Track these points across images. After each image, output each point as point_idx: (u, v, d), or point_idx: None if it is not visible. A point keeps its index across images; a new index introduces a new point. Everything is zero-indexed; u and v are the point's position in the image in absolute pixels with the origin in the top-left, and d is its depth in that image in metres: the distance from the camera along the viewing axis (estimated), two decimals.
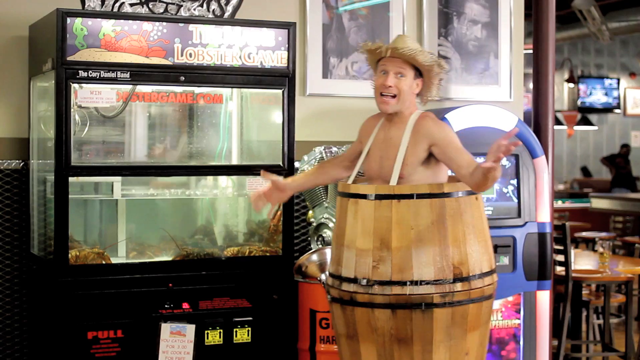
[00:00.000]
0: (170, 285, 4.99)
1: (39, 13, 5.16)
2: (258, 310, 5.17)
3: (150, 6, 5.68)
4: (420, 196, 4.13)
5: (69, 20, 4.83)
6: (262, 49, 5.27)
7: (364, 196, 4.19)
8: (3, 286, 5.40)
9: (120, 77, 4.95)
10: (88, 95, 4.98)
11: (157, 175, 5.39)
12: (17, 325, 5.44)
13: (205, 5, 5.84)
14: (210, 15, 5.83)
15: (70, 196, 4.85)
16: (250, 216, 5.66)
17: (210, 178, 5.59)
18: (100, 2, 5.57)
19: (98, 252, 5.01)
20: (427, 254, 4.12)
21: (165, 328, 4.93)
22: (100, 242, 5.28)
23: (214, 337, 5.07)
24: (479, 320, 4.28)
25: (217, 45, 5.16)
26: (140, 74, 4.99)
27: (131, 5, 5.64)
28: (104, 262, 5.01)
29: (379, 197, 4.15)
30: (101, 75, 4.89)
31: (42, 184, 5.22)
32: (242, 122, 5.65)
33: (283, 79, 5.33)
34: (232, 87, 5.46)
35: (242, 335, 5.14)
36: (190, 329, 4.95)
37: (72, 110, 4.87)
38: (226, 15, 5.88)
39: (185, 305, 5.01)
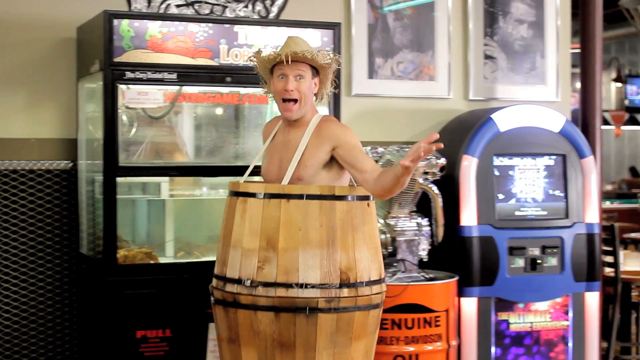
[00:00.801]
0: None
1: (87, 15, 5.21)
2: None
3: (196, 7, 5.71)
4: (310, 197, 3.99)
5: (116, 21, 4.87)
6: None
7: (253, 195, 4.04)
8: (53, 285, 5.45)
9: (166, 78, 4.98)
10: (135, 96, 5.02)
11: (203, 176, 5.41)
12: (67, 324, 5.49)
13: (250, 6, 5.85)
14: (256, 16, 5.85)
15: (118, 196, 4.89)
16: None
17: (256, 178, 5.59)
18: (146, 4, 5.61)
19: (146, 252, 5.05)
20: (314, 257, 3.97)
21: (213, 328, 4.93)
22: (148, 242, 5.31)
23: None
24: (366, 330, 4.13)
25: (262, 45, 5.17)
26: (187, 75, 5.02)
27: (177, 6, 5.67)
28: (152, 262, 5.04)
29: (268, 196, 4.01)
30: (148, 77, 4.93)
31: (90, 185, 5.26)
32: None
33: None
34: None
35: None
36: (211, 327, 4.96)
37: (119, 111, 4.92)
38: (271, 15, 5.90)
39: None
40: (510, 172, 5.84)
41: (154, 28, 4.96)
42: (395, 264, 5.43)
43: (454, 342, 5.45)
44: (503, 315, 5.71)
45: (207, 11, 5.73)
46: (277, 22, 5.54)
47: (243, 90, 5.39)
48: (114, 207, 4.86)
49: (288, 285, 3.95)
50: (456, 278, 5.52)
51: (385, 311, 5.19)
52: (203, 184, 5.52)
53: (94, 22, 5.08)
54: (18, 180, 5.36)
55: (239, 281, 4.00)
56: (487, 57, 6.44)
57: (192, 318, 4.96)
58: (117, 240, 4.90)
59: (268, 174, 4.28)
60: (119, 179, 4.90)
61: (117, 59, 4.87)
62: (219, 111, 5.60)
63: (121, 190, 4.98)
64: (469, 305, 5.63)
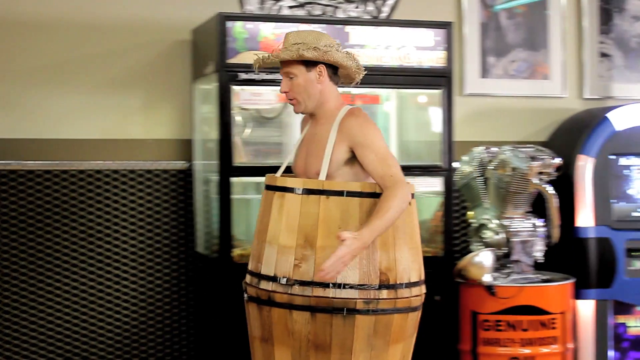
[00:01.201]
0: None
1: (201, 17, 5.28)
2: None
3: (308, 8, 5.73)
4: (351, 194, 3.77)
5: (229, 24, 4.93)
6: (419, 49, 5.26)
7: (291, 190, 3.83)
8: (170, 283, 5.54)
9: (279, 79, 4.98)
10: (249, 97, 5.07)
11: None
12: (183, 322, 5.57)
13: (362, 6, 5.85)
14: (367, 17, 5.85)
15: (233, 196, 4.94)
16: None
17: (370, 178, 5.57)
18: (259, 6, 5.66)
19: None
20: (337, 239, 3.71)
21: None
22: None
23: None
24: (404, 333, 3.93)
25: (374, 46, 5.17)
26: None
27: (289, 7, 5.71)
28: None
29: (307, 191, 3.79)
30: (261, 78, 4.96)
31: (205, 184, 5.33)
32: (399, 122, 5.63)
33: (441, 79, 5.30)
34: (390, 88, 5.44)
35: None
36: None
37: (233, 112, 4.97)
38: (383, 16, 5.89)
39: None
40: (627, 172, 5.71)
41: (266, 30, 5.00)
42: (510, 265, 5.36)
43: (570, 345, 5.36)
44: (621, 319, 5.58)
45: (318, 12, 5.75)
46: (389, 22, 5.53)
47: (355, 90, 5.38)
48: (228, 207, 4.91)
49: (325, 285, 3.73)
50: (573, 280, 5.42)
51: (500, 313, 5.16)
52: None
53: (208, 24, 5.15)
54: (136, 180, 5.47)
55: (274, 279, 3.80)
56: (603, 55, 6.32)
57: None
58: (233, 239, 4.94)
59: (295, 167, 4.13)
60: (233, 179, 4.95)
61: (230, 61, 4.93)
62: None
63: (236, 189, 5.02)
64: (586, 308, 5.52)
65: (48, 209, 5.36)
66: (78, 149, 5.40)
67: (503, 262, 5.33)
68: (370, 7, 5.88)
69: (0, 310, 5.35)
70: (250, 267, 4.01)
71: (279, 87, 4.98)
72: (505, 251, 5.35)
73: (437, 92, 5.33)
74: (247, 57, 4.92)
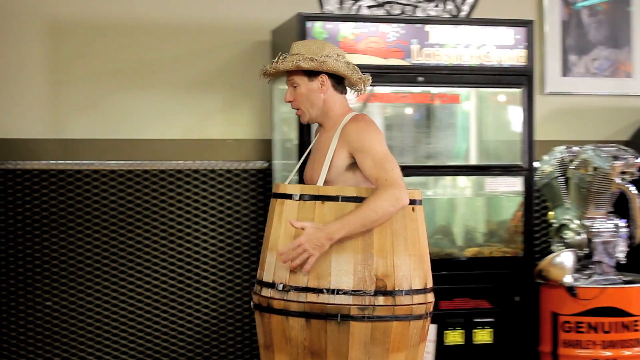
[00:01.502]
0: None
1: (281, 18, 5.31)
2: (499, 311, 5.12)
3: (387, 8, 5.73)
4: (346, 199, 3.67)
5: (309, 24, 4.95)
6: (499, 47, 5.22)
7: (289, 196, 3.78)
8: (249, 282, 5.59)
9: None
10: None
11: None
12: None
13: (441, 5, 5.83)
14: (447, 15, 5.82)
15: None
16: (489, 216, 5.60)
17: (448, 178, 5.56)
18: (338, 5, 5.67)
19: None
20: (348, 262, 3.67)
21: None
22: None
23: (454, 337, 5.06)
24: (406, 342, 3.78)
25: (454, 45, 5.15)
26: (379, 75, 5.01)
27: (368, 7, 5.71)
28: None
29: (304, 197, 3.73)
30: None
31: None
32: (479, 122, 5.60)
33: (522, 78, 5.26)
34: (470, 87, 5.41)
35: (482, 336, 5.10)
36: (432, 328, 4.94)
37: None
38: (462, 14, 5.85)
39: None
40: None
41: (346, 29, 5.01)
42: (591, 266, 5.29)
43: None
44: None
45: (398, 11, 5.74)
46: (468, 21, 5.50)
47: (434, 90, 5.37)
48: None
49: (319, 291, 3.66)
50: None
51: (581, 314, 5.09)
52: None
53: (287, 24, 5.17)
54: (215, 180, 5.52)
55: (272, 285, 3.75)
56: None
57: None
58: None
59: (305, 175, 4.10)
60: None
61: None
62: (410, 111, 5.60)
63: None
64: None
65: (130, 209, 5.45)
66: (159, 149, 5.47)
67: (584, 263, 5.27)
68: (450, 5, 5.85)
69: (83, 308, 5.46)
70: (257, 275, 3.98)
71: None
72: (587, 252, 5.28)
73: (517, 91, 5.29)
74: None
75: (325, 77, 3.88)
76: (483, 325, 5.11)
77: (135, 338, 5.51)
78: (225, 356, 5.61)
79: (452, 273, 5.10)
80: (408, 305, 3.74)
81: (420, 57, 5.11)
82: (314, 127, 4.37)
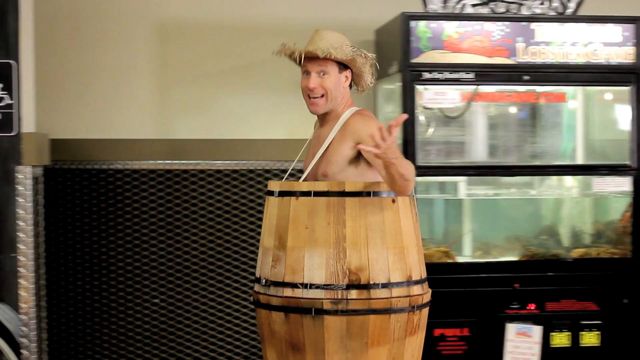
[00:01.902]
0: (517, 285, 4.96)
1: (384, 17, 5.32)
2: (607, 313, 5.03)
3: (492, 6, 5.68)
4: (318, 194, 3.70)
5: (413, 23, 4.95)
6: (607, 45, 5.14)
7: (271, 193, 3.86)
8: None
9: (463, 78, 5.00)
10: (433, 97, 5.07)
11: (501, 175, 5.36)
12: None
13: (547, 2, 5.76)
14: (552, 13, 5.75)
15: (416, 195, 4.94)
16: (596, 217, 5.51)
17: (554, 178, 5.50)
18: (442, 4, 5.65)
19: (444, 251, 5.08)
20: (320, 256, 3.68)
21: (511, 328, 4.91)
22: (445, 241, 5.34)
23: (560, 339, 4.99)
24: (386, 336, 3.74)
25: (560, 42, 5.09)
26: (484, 74, 5.02)
27: (473, 6, 5.67)
28: (449, 261, 5.07)
29: (281, 193, 3.79)
30: (445, 77, 4.97)
31: None
32: (586, 121, 5.52)
33: (630, 76, 5.17)
34: (576, 85, 5.34)
35: (589, 338, 5.02)
36: (537, 330, 4.90)
37: (417, 111, 4.98)
38: (568, 12, 5.77)
39: (532, 306, 4.97)
40: None
41: (450, 28, 4.99)
42: None
43: None
44: None
45: (502, 10, 5.69)
46: (575, 18, 5.42)
47: (540, 89, 5.32)
48: None
49: (294, 285, 3.72)
50: None
51: None
52: (500, 183, 5.48)
53: (391, 24, 5.18)
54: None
55: (258, 280, 3.87)
56: None
57: (490, 318, 4.95)
58: None
59: (305, 168, 4.08)
60: (417, 178, 4.96)
61: (414, 60, 4.95)
62: (514, 110, 5.55)
63: (419, 189, 5.03)
64: None
65: (235, 208, 5.51)
66: (264, 149, 5.53)
67: None
68: (556, 3, 5.77)
69: (189, 305, 5.54)
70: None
71: (463, 86, 5.05)
72: None
73: (625, 89, 5.20)
74: (431, 57, 4.94)
75: (349, 73, 3.93)
76: (590, 328, 5.03)
77: (182, 341, 5.57)
78: None
79: (558, 274, 5.04)
80: (386, 298, 3.71)
81: (526, 55, 5.06)
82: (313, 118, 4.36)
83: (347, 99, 3.98)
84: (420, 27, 4.96)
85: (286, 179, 4.17)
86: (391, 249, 3.75)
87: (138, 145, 5.45)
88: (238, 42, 5.56)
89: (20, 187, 4.13)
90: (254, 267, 5.52)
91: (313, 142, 4.06)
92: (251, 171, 5.52)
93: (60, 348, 5.45)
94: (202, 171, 5.48)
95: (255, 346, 5.57)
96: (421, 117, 5.20)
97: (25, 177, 4.14)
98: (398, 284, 3.76)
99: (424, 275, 3.92)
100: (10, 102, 4.08)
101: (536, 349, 4.92)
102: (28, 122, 4.16)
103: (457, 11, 5.64)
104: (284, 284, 3.74)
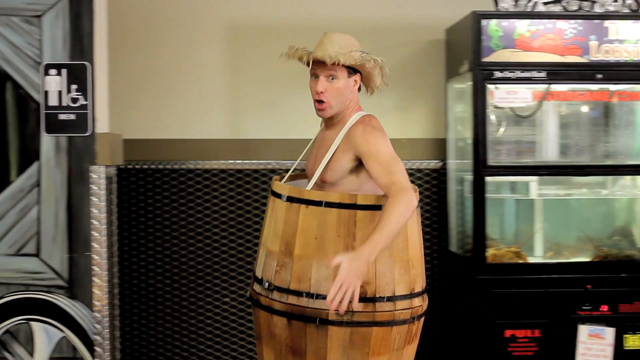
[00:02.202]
0: (589, 286, 4.91)
1: (455, 17, 5.29)
2: None
3: (564, 4, 5.62)
4: (329, 205, 3.64)
5: (484, 22, 4.92)
6: None
7: (279, 196, 3.78)
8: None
9: (535, 77, 4.96)
10: (504, 96, 5.03)
11: (573, 175, 5.29)
12: (435, 320, 5.60)
13: (620, 0, 5.67)
14: (626, 10, 5.66)
15: (486, 195, 4.92)
16: None
17: (628, 178, 5.42)
18: (513, 3, 5.60)
19: (515, 251, 5.04)
20: (328, 268, 3.60)
21: (584, 330, 4.85)
22: (516, 242, 5.30)
23: (633, 341, 4.92)
24: (387, 346, 3.74)
25: (634, 40, 5.02)
26: (556, 72, 4.96)
27: (544, 4, 5.61)
28: (520, 262, 5.03)
29: (290, 199, 3.72)
30: (516, 76, 4.93)
31: (459, 183, 5.34)
32: None
33: None
34: None
35: None
36: (609, 332, 4.84)
37: (487, 110, 4.95)
38: None
39: (604, 308, 4.90)
40: None
41: (522, 27, 4.96)
42: None
43: None
44: None
45: (575, 7, 5.62)
46: None
47: (613, 87, 5.24)
48: (483, 206, 4.90)
49: (299, 294, 3.67)
50: None
51: None
52: (572, 183, 5.42)
53: (462, 23, 5.15)
54: None
55: (260, 281, 3.83)
56: None
57: (561, 319, 4.90)
58: (486, 238, 4.93)
59: (307, 169, 4.06)
60: (487, 178, 4.94)
61: (485, 59, 4.92)
62: (587, 109, 5.48)
63: (490, 189, 5.00)
64: None
65: None
66: None
67: None
68: (629, 0, 5.68)
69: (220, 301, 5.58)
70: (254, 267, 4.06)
71: (535, 85, 5.01)
72: None
73: None
74: (502, 56, 4.91)
75: (359, 77, 3.92)
76: None
77: (237, 339, 5.59)
78: None
79: (631, 275, 4.96)
80: (390, 311, 3.71)
81: (599, 53, 5.00)
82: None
83: (355, 102, 3.96)
84: (492, 26, 4.93)
85: (287, 178, 4.15)
86: (397, 262, 3.74)
87: (209, 145, 5.50)
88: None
89: (94, 187, 4.19)
90: None
91: (317, 144, 4.04)
92: None
93: (133, 345, 5.52)
94: (272, 171, 5.51)
95: None
96: (492, 117, 5.17)
97: (99, 176, 4.20)
98: (402, 297, 3.76)
99: (424, 285, 3.90)
100: (84, 102, 4.14)
101: (609, 351, 4.85)
102: (102, 122, 4.22)
103: (528, 9, 5.58)
104: (288, 291, 3.71)
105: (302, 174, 4.25)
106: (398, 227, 3.54)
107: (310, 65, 3.90)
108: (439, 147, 5.55)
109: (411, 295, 3.80)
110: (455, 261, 5.34)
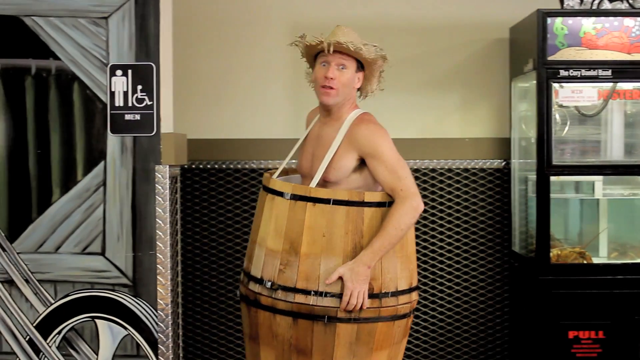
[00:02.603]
0: None
1: (519, 15, 5.25)
2: None
3: (630, 1, 5.55)
4: (337, 202, 3.69)
5: (549, 20, 4.88)
6: None
7: (280, 194, 3.79)
8: (485, 282, 5.56)
9: (601, 75, 4.90)
10: (569, 95, 4.98)
11: (638, 175, 5.21)
12: (498, 321, 5.57)
13: None
14: None
15: (550, 195, 4.87)
16: None
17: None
18: (578, 0, 5.54)
19: (579, 252, 4.99)
20: (337, 265, 3.69)
21: None
22: (580, 242, 5.25)
23: None
24: (389, 340, 3.85)
25: None
26: (622, 71, 4.90)
27: (610, 1, 5.55)
28: (584, 262, 4.98)
29: (295, 197, 3.73)
30: (582, 74, 4.87)
31: (523, 183, 5.29)
32: None
33: None
34: None
35: None
36: None
37: (552, 109, 4.91)
38: None
39: None
40: None
41: (587, 25, 4.90)
42: None
43: None
44: None
45: None
46: None
47: None
48: (547, 206, 4.86)
49: (307, 292, 3.71)
50: None
51: None
52: (637, 183, 5.35)
53: (527, 21, 5.11)
54: (453, 179, 5.53)
55: (260, 281, 3.82)
56: None
57: (626, 321, 4.84)
58: (550, 239, 4.89)
59: (301, 167, 4.07)
60: (552, 178, 4.90)
61: (550, 58, 4.87)
62: None
63: (554, 188, 4.96)
64: None
65: None
66: (397, 148, 5.51)
67: None
68: None
69: None
70: (244, 265, 4.05)
71: (600, 84, 4.95)
72: None
73: None
74: (567, 54, 4.86)
75: (362, 75, 3.99)
76: None
77: None
78: (460, 356, 5.60)
79: None
80: (394, 306, 3.82)
81: None
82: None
83: (353, 99, 4.03)
84: (557, 24, 4.89)
85: (278, 175, 4.17)
86: (399, 257, 3.85)
87: (272, 144, 5.52)
88: (371, 41, 5.56)
89: (158, 186, 4.23)
90: None
91: (312, 141, 4.06)
92: None
93: (195, 344, 5.57)
94: None
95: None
96: (556, 115, 5.12)
97: (163, 176, 4.24)
98: (403, 292, 3.88)
99: (417, 280, 4.03)
100: (149, 103, 4.18)
101: None
102: (167, 122, 4.25)
103: (594, 7, 5.53)
104: (295, 290, 3.74)
105: (292, 170, 4.30)
106: (402, 233, 3.72)
107: (325, 52, 3.92)
108: (503, 146, 5.51)
109: (410, 290, 3.91)
110: (519, 261, 5.30)
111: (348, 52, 3.89)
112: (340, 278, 3.69)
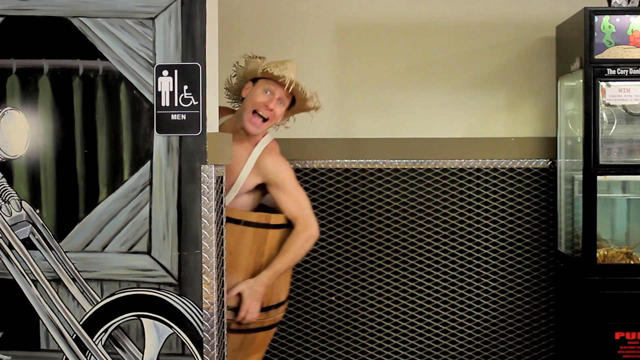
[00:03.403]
0: None
1: (566, 13, 5.21)
2: None
3: None
4: (248, 224, 4.05)
5: (596, 18, 4.83)
6: None
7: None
8: (531, 282, 5.53)
9: None
10: (616, 93, 4.93)
11: None
12: (543, 322, 5.54)
13: None
14: None
15: (597, 195, 4.83)
16: None
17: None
18: None
19: (626, 252, 4.95)
20: (237, 280, 4.09)
21: None
22: (627, 242, 5.20)
23: None
24: (264, 345, 4.32)
25: None
26: None
27: None
28: (631, 263, 4.93)
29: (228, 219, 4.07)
30: (629, 73, 4.83)
31: (569, 183, 5.25)
32: None
33: None
34: None
35: None
36: None
37: (599, 108, 4.86)
38: None
39: None
40: None
41: (635, 23, 4.85)
42: None
43: None
44: None
45: None
46: None
47: None
48: (593, 206, 4.82)
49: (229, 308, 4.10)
50: None
51: None
52: None
53: (573, 20, 5.07)
54: (498, 179, 5.50)
55: None
56: None
57: None
58: (597, 239, 4.84)
59: None
60: (598, 177, 4.85)
61: (597, 56, 4.83)
62: None
63: (600, 188, 4.91)
64: None
65: (412, 207, 5.52)
66: (442, 147, 5.51)
67: None
68: None
69: (365, 303, 5.58)
70: None
71: None
72: None
73: None
74: (614, 53, 4.82)
75: (287, 111, 4.32)
76: None
77: (414, 335, 5.58)
78: (505, 357, 5.57)
79: None
80: (274, 317, 4.28)
81: None
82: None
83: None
84: (604, 22, 4.84)
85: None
86: (285, 273, 4.27)
87: (317, 144, 5.52)
88: (415, 41, 5.56)
89: (204, 186, 4.24)
90: (433, 266, 5.52)
91: None
92: (429, 170, 5.51)
93: None
94: (380, 170, 5.51)
95: (467, 346, 5.56)
96: (603, 115, 5.07)
97: (209, 176, 4.25)
98: (282, 303, 4.31)
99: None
100: (195, 103, 4.19)
101: None
102: (212, 122, 4.27)
103: None
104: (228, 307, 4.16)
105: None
106: (299, 257, 4.18)
107: (272, 81, 4.21)
108: (549, 145, 5.47)
109: (284, 301, 4.34)
110: (565, 261, 5.26)
111: (295, 94, 4.22)
112: (239, 294, 4.04)
